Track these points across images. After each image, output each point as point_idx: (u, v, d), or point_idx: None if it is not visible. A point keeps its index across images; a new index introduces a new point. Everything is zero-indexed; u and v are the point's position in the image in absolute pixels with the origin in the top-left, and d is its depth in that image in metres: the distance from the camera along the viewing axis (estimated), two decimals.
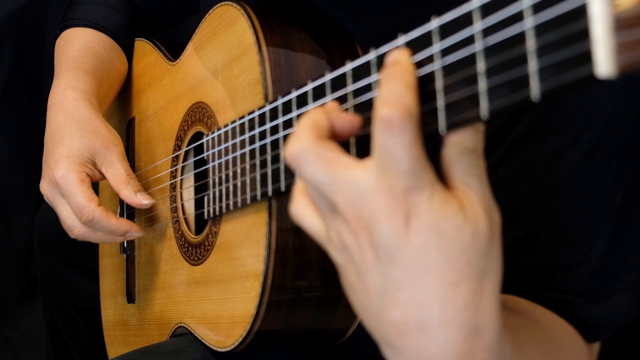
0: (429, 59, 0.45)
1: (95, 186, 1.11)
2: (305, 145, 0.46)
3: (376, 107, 0.44)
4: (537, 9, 0.37)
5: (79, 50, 1.06)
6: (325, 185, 0.46)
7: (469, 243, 0.44)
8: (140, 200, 0.94)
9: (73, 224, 0.94)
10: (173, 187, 0.99)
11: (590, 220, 0.71)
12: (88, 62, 1.05)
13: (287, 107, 0.65)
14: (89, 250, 1.28)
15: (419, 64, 0.46)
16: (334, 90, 0.56)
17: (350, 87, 0.53)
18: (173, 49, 1.06)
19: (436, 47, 0.44)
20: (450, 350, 0.45)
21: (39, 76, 1.72)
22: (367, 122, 0.50)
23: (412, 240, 0.43)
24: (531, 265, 0.72)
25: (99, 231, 0.94)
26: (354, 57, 0.53)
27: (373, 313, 0.47)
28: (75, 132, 0.95)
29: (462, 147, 0.45)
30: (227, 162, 0.80)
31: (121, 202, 1.14)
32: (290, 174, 0.66)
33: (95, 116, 0.98)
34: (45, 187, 0.96)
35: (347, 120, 0.50)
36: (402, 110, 0.43)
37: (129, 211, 1.12)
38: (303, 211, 0.51)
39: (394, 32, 0.49)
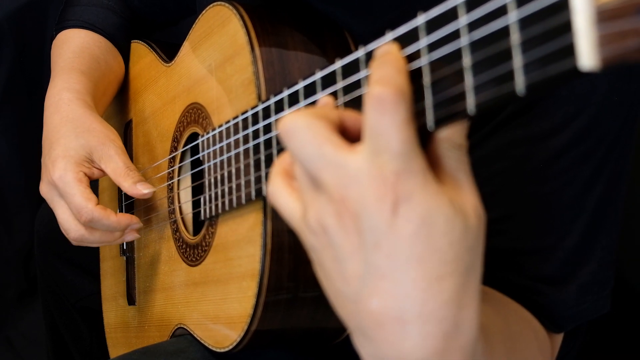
0: (416, 55, 0.45)
1: (95, 188, 1.11)
2: (299, 119, 0.45)
3: (368, 87, 0.43)
4: (521, 2, 0.37)
5: (74, 51, 1.07)
6: (313, 161, 0.44)
7: (458, 238, 0.43)
8: (140, 190, 0.94)
9: (71, 226, 0.94)
10: (170, 188, 0.98)
11: (567, 208, 0.71)
12: (83, 63, 1.05)
13: (279, 106, 0.65)
14: (89, 251, 1.28)
15: (408, 59, 0.45)
16: (324, 87, 0.56)
17: (340, 84, 0.53)
18: (168, 50, 1.06)
19: (423, 42, 0.44)
20: (427, 346, 0.43)
21: (39, 76, 1.72)
22: None
23: (400, 227, 0.42)
24: (503, 248, 0.72)
25: (99, 230, 0.94)
26: (347, 54, 0.53)
27: (349, 300, 0.45)
28: (71, 132, 0.95)
29: (452, 142, 0.45)
30: (222, 162, 0.80)
31: (119, 202, 1.14)
32: None
33: (90, 114, 0.98)
34: (44, 189, 0.96)
35: (357, 119, 0.48)
36: (395, 88, 0.42)
37: (128, 212, 1.11)
38: (279, 190, 0.49)
39: (392, 26, 0.48)
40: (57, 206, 0.95)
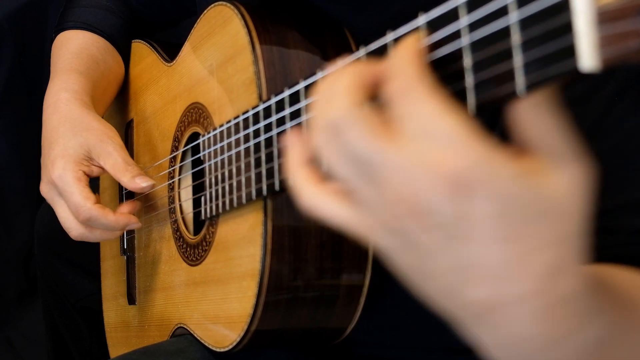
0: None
1: (96, 187, 1.11)
2: (346, 110, 0.42)
3: (387, 82, 0.41)
4: (521, 3, 0.37)
5: (73, 52, 1.07)
6: (373, 158, 0.41)
7: (540, 209, 0.39)
8: (139, 183, 0.94)
9: (71, 225, 0.94)
10: (171, 187, 0.99)
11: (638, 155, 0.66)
12: (82, 63, 1.05)
13: (280, 106, 0.65)
14: (89, 250, 1.28)
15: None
16: None
17: None
18: (169, 49, 1.06)
19: (424, 42, 0.44)
20: (539, 319, 0.41)
21: (39, 76, 1.72)
22: None
23: (477, 212, 0.39)
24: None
25: (98, 229, 0.94)
26: (348, 54, 0.53)
27: (448, 296, 0.42)
28: (69, 132, 0.96)
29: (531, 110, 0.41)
30: (222, 161, 0.80)
31: (120, 201, 1.14)
32: (283, 172, 0.66)
33: (87, 113, 0.98)
34: (44, 189, 0.97)
35: (375, 70, 0.44)
36: (406, 75, 0.40)
37: None
38: (320, 199, 0.45)
39: (393, 21, 0.48)
40: (57, 205, 0.96)
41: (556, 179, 0.40)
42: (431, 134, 0.39)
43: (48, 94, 1.02)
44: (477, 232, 0.40)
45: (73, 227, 0.94)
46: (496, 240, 0.40)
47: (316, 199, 0.46)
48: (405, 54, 0.42)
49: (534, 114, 0.40)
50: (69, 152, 0.94)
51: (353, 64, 0.45)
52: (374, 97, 0.44)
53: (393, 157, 0.40)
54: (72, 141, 0.95)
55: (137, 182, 0.94)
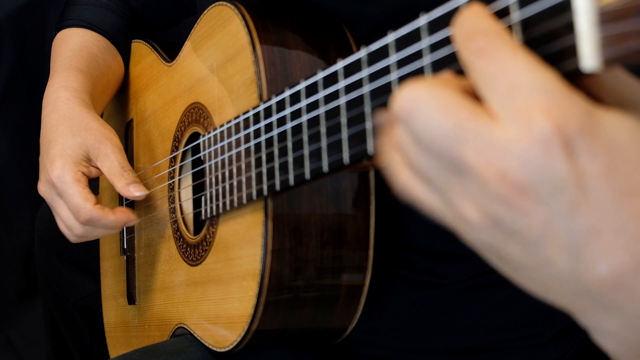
0: (418, 55, 0.45)
1: (95, 187, 1.11)
2: (420, 90, 0.37)
3: (458, 41, 0.37)
4: (523, 3, 0.37)
5: (73, 50, 1.07)
6: (448, 138, 0.36)
7: None
8: (132, 192, 0.94)
9: (72, 224, 0.94)
10: (171, 187, 0.99)
11: None
12: (82, 61, 1.05)
13: (280, 106, 0.65)
14: (89, 250, 1.28)
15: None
16: (326, 87, 0.56)
17: (342, 83, 0.53)
18: (170, 49, 1.06)
19: (425, 42, 0.44)
20: None
21: (39, 76, 1.72)
22: None
23: (588, 171, 0.34)
24: None
25: (98, 228, 0.94)
26: (349, 54, 0.53)
27: (567, 281, 0.36)
28: (68, 131, 0.95)
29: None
30: (223, 161, 0.80)
31: (120, 202, 1.14)
32: (284, 172, 0.66)
33: (87, 113, 0.98)
34: (42, 188, 0.96)
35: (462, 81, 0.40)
36: (486, 33, 0.36)
37: None
38: (415, 189, 0.40)
39: (400, 7, 0.47)
40: (57, 205, 0.95)
41: None
42: (527, 89, 0.34)
43: (47, 92, 1.01)
44: (591, 196, 0.34)
45: (74, 226, 0.94)
46: (619, 197, 0.34)
47: (411, 187, 0.41)
48: (474, 13, 0.38)
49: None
50: (67, 152, 0.94)
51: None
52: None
53: (480, 132, 0.35)
54: (71, 141, 0.95)
55: (130, 190, 0.93)
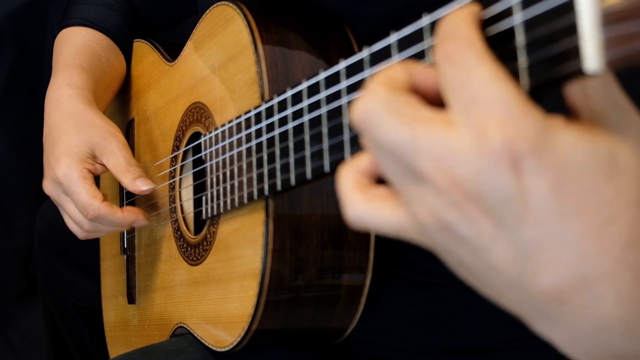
0: (420, 55, 0.45)
1: (96, 181, 1.11)
2: (376, 102, 0.38)
3: (433, 49, 0.38)
4: (526, 4, 0.37)
5: (75, 48, 1.07)
6: (404, 147, 0.37)
7: (612, 166, 0.35)
8: (139, 186, 0.94)
9: (82, 220, 0.94)
10: (172, 187, 0.99)
11: None
12: (85, 59, 1.05)
13: (282, 106, 0.66)
14: (89, 250, 1.28)
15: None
16: (328, 87, 0.56)
17: (344, 83, 0.53)
18: (171, 49, 1.06)
19: (427, 42, 0.44)
20: (626, 297, 0.36)
21: (39, 76, 1.72)
22: None
23: (534, 186, 0.34)
24: None
25: (106, 225, 0.95)
26: (351, 55, 0.53)
27: (511, 288, 0.37)
28: (72, 128, 0.95)
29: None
30: (224, 161, 0.80)
31: (121, 200, 1.14)
32: (285, 171, 0.66)
33: (91, 110, 0.98)
34: (48, 187, 0.96)
35: (431, 73, 0.40)
36: (455, 38, 0.36)
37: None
38: (367, 210, 0.41)
39: (401, 7, 0.47)
40: (64, 202, 0.95)
41: (615, 138, 0.36)
42: (486, 101, 0.35)
43: (50, 89, 1.01)
44: (535, 211, 0.35)
45: (84, 222, 0.94)
46: (564, 214, 0.35)
47: (362, 211, 0.41)
48: (456, 15, 0.38)
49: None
50: (73, 150, 0.94)
51: (400, 62, 0.41)
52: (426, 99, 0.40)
53: (434, 141, 0.36)
54: (76, 139, 0.95)
55: (137, 185, 0.94)
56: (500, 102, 0.35)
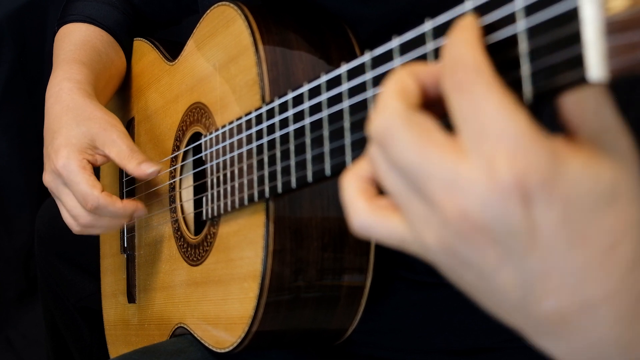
0: (422, 59, 0.45)
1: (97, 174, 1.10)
2: (394, 120, 0.38)
3: (442, 73, 0.38)
4: (529, 11, 0.37)
5: (76, 43, 1.07)
6: (417, 171, 0.38)
7: (614, 196, 0.36)
8: (145, 170, 0.92)
9: (79, 213, 0.93)
10: (172, 187, 0.99)
11: None
12: (85, 54, 1.05)
13: (283, 108, 0.65)
14: (89, 250, 1.28)
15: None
16: (329, 90, 0.56)
17: (345, 86, 0.53)
18: (172, 48, 1.06)
19: (429, 46, 0.44)
20: (624, 316, 0.38)
21: (39, 76, 1.72)
22: None
23: (542, 222, 0.35)
24: None
25: (105, 217, 0.93)
26: (352, 56, 0.53)
27: (515, 310, 0.39)
28: (72, 121, 0.95)
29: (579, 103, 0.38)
30: (224, 162, 0.80)
31: (121, 195, 1.14)
32: (286, 174, 0.66)
33: (90, 103, 0.97)
34: (47, 179, 0.96)
35: (436, 74, 0.41)
36: (464, 67, 0.37)
37: None
38: (372, 220, 0.41)
39: (403, 8, 0.47)
40: (62, 194, 0.94)
41: (614, 163, 0.36)
42: (495, 133, 0.35)
43: (50, 84, 1.01)
44: (542, 244, 0.36)
45: (81, 215, 0.93)
46: (570, 245, 0.36)
47: (366, 221, 0.42)
48: (462, 40, 0.38)
49: (578, 98, 0.37)
50: (72, 141, 0.94)
51: (406, 66, 0.41)
52: (432, 99, 0.41)
53: (446, 168, 0.37)
54: (75, 130, 0.94)
55: (143, 169, 0.92)
56: (510, 134, 0.35)
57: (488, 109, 0.36)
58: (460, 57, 0.37)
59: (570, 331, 0.38)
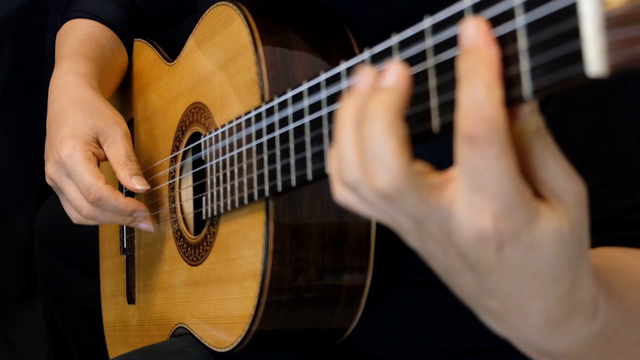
0: (422, 56, 0.45)
1: None
2: (401, 181, 0.43)
3: (457, 116, 0.40)
4: (528, 7, 0.37)
5: (80, 38, 1.06)
6: (418, 214, 0.44)
7: (567, 240, 0.43)
8: (134, 184, 0.92)
9: (81, 204, 0.92)
10: (172, 187, 0.99)
11: None
12: (90, 49, 1.05)
13: (283, 107, 0.65)
14: (89, 250, 1.28)
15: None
16: (328, 88, 0.56)
17: (345, 84, 0.53)
18: (171, 49, 1.06)
19: (429, 42, 0.44)
20: (553, 323, 0.47)
21: (39, 76, 1.72)
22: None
23: (507, 260, 0.43)
24: (608, 212, 0.69)
25: (107, 211, 0.92)
26: (351, 56, 0.53)
27: (470, 298, 0.48)
28: (79, 112, 0.94)
29: (529, 131, 0.42)
30: (224, 161, 0.80)
31: (120, 190, 1.13)
32: (285, 173, 0.66)
33: (98, 97, 0.97)
34: (50, 169, 0.94)
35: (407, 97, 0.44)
36: (485, 125, 0.39)
37: None
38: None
39: (405, 9, 0.47)
40: (65, 185, 0.93)
41: (565, 214, 0.43)
42: (491, 193, 0.40)
43: (55, 77, 1.01)
44: (502, 274, 0.44)
45: (83, 207, 0.92)
46: (523, 277, 0.44)
47: (347, 196, 0.48)
48: (484, 86, 0.39)
49: (529, 138, 0.42)
50: (78, 132, 0.93)
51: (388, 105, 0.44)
52: None
53: (441, 211, 0.43)
54: (81, 122, 0.94)
55: (132, 182, 0.92)
56: (503, 198, 0.40)
57: (494, 171, 0.40)
58: (480, 108, 0.39)
59: (503, 321, 0.48)
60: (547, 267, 0.43)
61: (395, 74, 0.44)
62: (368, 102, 0.44)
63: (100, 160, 0.95)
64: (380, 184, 0.43)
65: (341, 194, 0.48)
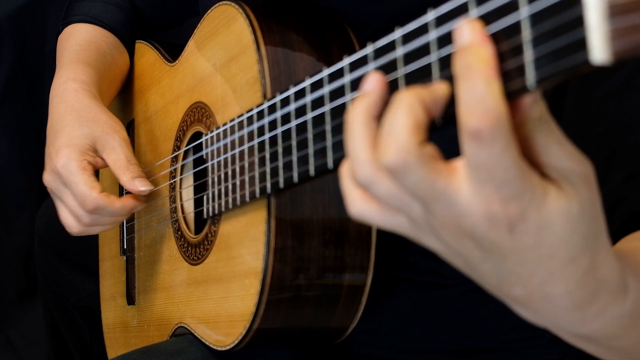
0: (425, 50, 0.45)
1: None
2: (409, 156, 0.43)
3: (459, 113, 0.41)
4: None
5: (80, 44, 1.07)
6: (424, 193, 0.44)
7: (578, 219, 0.43)
8: (137, 186, 0.93)
9: (81, 214, 0.92)
10: (172, 187, 0.99)
11: None
12: (90, 55, 1.05)
13: (285, 103, 0.65)
14: (89, 250, 1.28)
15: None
16: (331, 84, 0.56)
17: (348, 78, 0.53)
18: (172, 50, 1.06)
19: (432, 35, 0.44)
20: (578, 305, 0.47)
21: (39, 76, 1.72)
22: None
23: (520, 242, 0.43)
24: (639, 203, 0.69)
25: (105, 217, 0.93)
26: (352, 54, 0.53)
27: (494, 288, 0.48)
28: (75, 121, 0.95)
29: (532, 120, 0.43)
30: (225, 160, 0.80)
31: (120, 191, 1.14)
32: (288, 170, 0.66)
33: (95, 104, 0.97)
34: (47, 178, 0.95)
35: (440, 102, 0.45)
36: (489, 120, 0.40)
37: None
38: (367, 209, 0.48)
39: (405, 7, 0.47)
40: (62, 194, 0.94)
41: (575, 194, 0.43)
42: (499, 182, 0.41)
43: (55, 84, 1.01)
44: (518, 256, 0.44)
45: (82, 216, 0.93)
46: (539, 259, 0.44)
47: (360, 206, 0.48)
48: (484, 81, 0.40)
49: (531, 133, 0.43)
50: (74, 141, 0.93)
51: (416, 94, 0.44)
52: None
53: (448, 196, 0.43)
54: (77, 131, 0.94)
55: (135, 184, 0.93)
56: (511, 185, 0.41)
57: (501, 165, 0.41)
58: (483, 103, 0.40)
59: (532, 308, 0.48)
60: (561, 247, 0.44)
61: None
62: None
63: (99, 168, 0.96)
64: (388, 156, 0.43)
65: (351, 196, 0.48)
